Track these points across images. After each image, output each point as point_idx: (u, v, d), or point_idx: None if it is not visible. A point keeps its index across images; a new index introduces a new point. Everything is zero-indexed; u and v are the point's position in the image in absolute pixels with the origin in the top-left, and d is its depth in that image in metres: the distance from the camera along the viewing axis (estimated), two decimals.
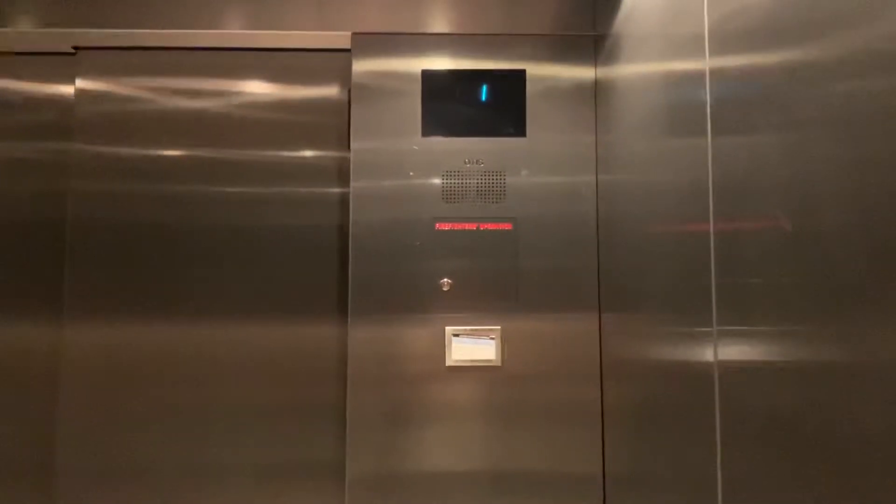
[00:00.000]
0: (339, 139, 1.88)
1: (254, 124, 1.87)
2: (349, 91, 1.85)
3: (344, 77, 1.88)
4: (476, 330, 1.76)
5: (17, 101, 1.89)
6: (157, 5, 1.79)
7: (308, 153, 1.89)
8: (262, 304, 1.83)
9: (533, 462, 1.74)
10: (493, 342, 1.75)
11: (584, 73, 1.82)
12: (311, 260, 1.85)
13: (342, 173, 1.87)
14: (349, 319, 1.75)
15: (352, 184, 1.78)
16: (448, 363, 1.74)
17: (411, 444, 1.73)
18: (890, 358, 0.63)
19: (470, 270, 1.78)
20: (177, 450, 1.79)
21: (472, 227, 1.79)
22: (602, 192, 1.76)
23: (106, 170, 1.83)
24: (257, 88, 1.89)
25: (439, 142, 1.80)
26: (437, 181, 1.79)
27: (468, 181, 1.80)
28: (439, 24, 1.82)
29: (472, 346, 1.75)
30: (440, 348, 1.75)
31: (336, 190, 1.87)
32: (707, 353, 1.04)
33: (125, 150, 1.84)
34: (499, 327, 1.76)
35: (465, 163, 1.80)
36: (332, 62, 1.89)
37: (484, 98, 1.83)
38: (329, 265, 1.85)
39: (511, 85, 1.82)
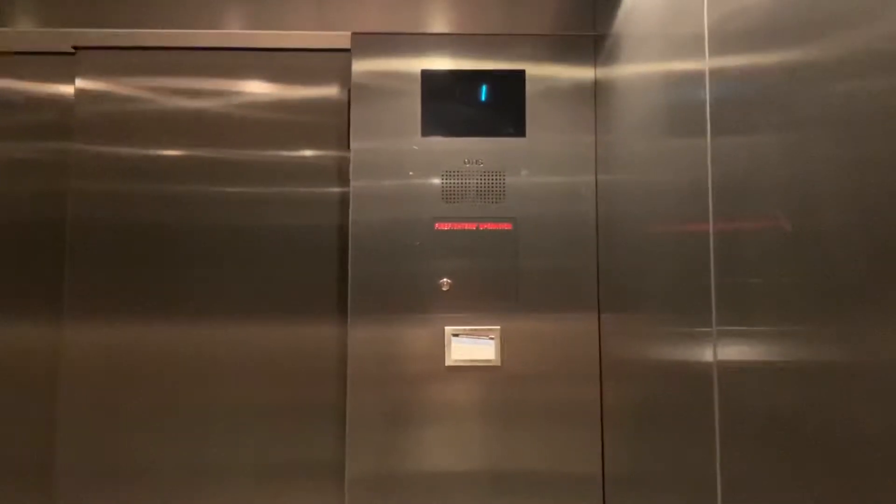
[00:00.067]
0: (339, 139, 1.88)
1: (254, 124, 1.87)
2: (349, 91, 1.85)
3: (344, 77, 1.88)
4: (476, 330, 1.76)
5: (17, 101, 1.89)
6: (157, 5, 1.79)
7: (308, 153, 1.89)
8: (262, 304, 1.83)
9: (532, 462, 1.74)
10: (492, 342, 1.75)
11: (583, 73, 1.82)
12: (311, 260, 1.85)
13: (342, 173, 1.87)
14: (349, 319, 1.75)
15: (352, 184, 1.78)
16: (448, 363, 1.74)
17: (411, 443, 1.73)
18: (890, 358, 0.63)
19: (469, 270, 1.78)
20: (177, 450, 1.79)
21: (472, 227, 1.79)
22: (602, 192, 1.76)
23: (106, 170, 1.83)
24: (257, 88, 1.89)
25: (439, 142, 1.80)
26: (436, 181, 1.79)
27: (468, 181, 1.80)
28: (439, 24, 1.82)
29: (472, 346, 1.75)
30: (440, 348, 1.75)
31: (336, 190, 1.87)
32: (706, 354, 1.04)
33: (125, 150, 1.84)
34: (498, 327, 1.76)
35: (465, 163, 1.80)
36: (332, 62, 1.88)
37: (483, 98, 1.83)
38: (329, 265, 1.85)
39: (511, 85, 1.82)
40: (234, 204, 1.85)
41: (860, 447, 0.67)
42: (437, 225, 1.78)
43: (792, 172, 0.80)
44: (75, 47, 1.85)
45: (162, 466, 1.78)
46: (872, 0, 0.66)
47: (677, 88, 1.19)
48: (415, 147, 1.80)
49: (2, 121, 1.88)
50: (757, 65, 0.90)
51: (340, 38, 1.82)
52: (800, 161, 0.79)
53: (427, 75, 1.81)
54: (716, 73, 1.02)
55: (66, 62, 1.86)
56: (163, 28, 1.79)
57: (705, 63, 1.05)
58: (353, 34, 1.81)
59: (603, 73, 1.75)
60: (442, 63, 1.82)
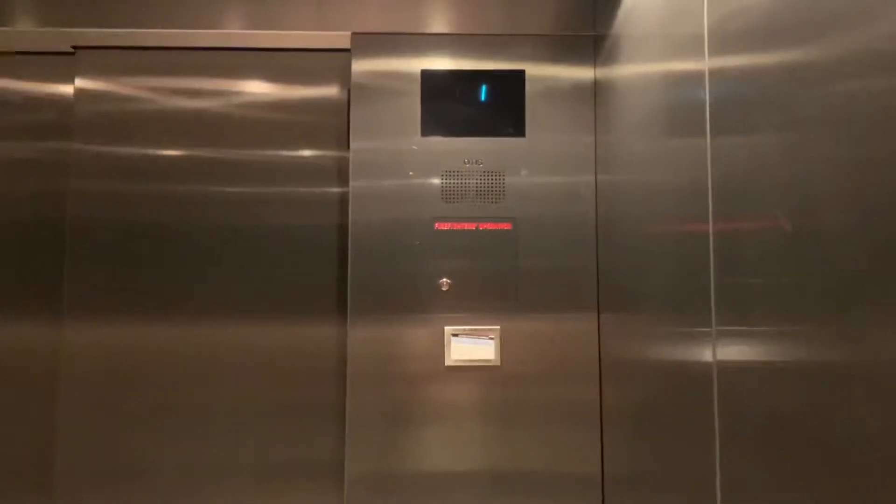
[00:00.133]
0: (339, 139, 1.88)
1: (253, 124, 1.87)
2: (349, 91, 1.85)
3: (343, 77, 1.88)
4: (475, 330, 1.76)
5: (16, 101, 1.89)
6: (156, 5, 1.79)
7: (308, 153, 1.89)
8: (262, 304, 1.83)
9: (532, 462, 1.74)
10: (492, 342, 1.75)
11: (583, 73, 1.82)
12: (310, 260, 1.85)
13: (342, 173, 1.87)
14: (349, 319, 1.75)
15: (351, 183, 1.78)
16: (447, 363, 1.74)
17: (410, 443, 1.73)
18: (890, 358, 0.63)
19: (469, 270, 1.78)
20: (177, 450, 1.79)
21: (472, 226, 1.79)
22: (601, 192, 1.76)
23: (105, 170, 1.82)
24: (257, 88, 1.89)
25: (439, 142, 1.80)
26: (436, 181, 1.79)
27: (467, 181, 1.80)
28: (439, 24, 1.82)
29: (472, 346, 1.75)
30: (439, 348, 1.75)
31: (335, 190, 1.87)
32: (706, 354, 1.04)
33: (125, 150, 1.83)
34: (498, 327, 1.76)
35: (465, 163, 1.80)
36: (332, 62, 1.88)
37: (483, 98, 1.83)
38: (329, 265, 1.85)
39: (510, 85, 1.82)
40: (234, 204, 1.85)
41: (860, 447, 0.67)
42: (436, 225, 1.78)
43: (792, 172, 0.80)
44: (75, 47, 1.85)
45: (162, 466, 1.78)
46: (872, 0, 0.66)
47: (677, 88, 1.19)
48: (414, 147, 1.80)
49: (1, 121, 1.88)
50: (757, 65, 0.90)
51: (340, 38, 1.82)
52: (800, 161, 0.79)
53: (427, 75, 1.81)
54: (715, 73, 1.02)
55: (65, 62, 1.86)
56: (163, 28, 1.79)
57: (705, 63, 1.05)
58: (353, 34, 1.81)
59: (603, 73, 1.75)
60: (442, 63, 1.82)
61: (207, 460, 1.79)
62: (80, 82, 1.85)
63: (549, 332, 1.76)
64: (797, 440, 0.78)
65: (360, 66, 1.81)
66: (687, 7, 1.13)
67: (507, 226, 1.78)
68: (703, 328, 1.05)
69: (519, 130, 1.81)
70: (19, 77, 1.90)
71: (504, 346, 1.75)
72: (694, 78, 1.10)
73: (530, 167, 1.80)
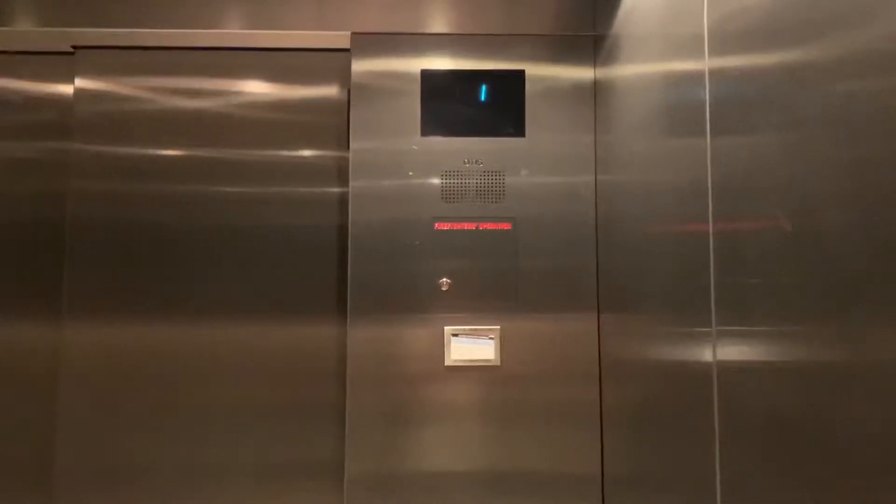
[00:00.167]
0: (339, 139, 1.88)
1: (253, 124, 1.87)
2: (348, 91, 1.85)
3: (343, 77, 1.88)
4: (475, 330, 1.76)
5: (16, 101, 1.89)
6: (156, 5, 1.79)
7: (307, 153, 1.89)
8: (262, 304, 1.83)
9: (532, 462, 1.74)
10: (492, 342, 1.75)
11: (583, 73, 1.82)
12: (310, 260, 1.85)
13: (341, 173, 1.87)
14: (348, 319, 1.75)
15: (351, 183, 1.78)
16: (447, 363, 1.74)
17: (410, 443, 1.73)
18: (890, 358, 0.63)
19: (469, 270, 1.78)
20: (177, 450, 1.79)
21: (472, 226, 1.79)
22: (601, 192, 1.76)
23: (105, 169, 1.82)
24: (257, 88, 1.89)
25: (438, 142, 1.80)
26: (436, 181, 1.79)
27: (467, 181, 1.80)
28: (439, 24, 1.82)
29: (472, 346, 1.75)
30: (439, 348, 1.75)
31: (335, 190, 1.87)
32: (706, 354, 1.04)
33: (124, 150, 1.83)
34: (498, 327, 1.76)
35: (465, 163, 1.80)
36: (332, 62, 1.88)
37: (483, 98, 1.83)
38: (328, 265, 1.85)
39: (510, 85, 1.82)
40: (234, 204, 1.85)
41: (860, 447, 0.67)
42: (436, 225, 1.78)
43: (792, 172, 0.80)
44: (74, 47, 1.85)
45: (162, 466, 1.78)
46: (872, 0, 0.66)
47: (677, 88, 1.19)
48: (414, 147, 1.80)
49: (1, 121, 1.88)
50: (757, 65, 0.90)
51: (340, 38, 1.82)
52: (800, 161, 0.79)
53: (427, 75, 1.81)
54: (715, 73, 1.02)
55: (65, 62, 1.86)
56: (162, 28, 1.79)
57: (705, 63, 1.05)
58: (353, 34, 1.81)
59: (602, 73, 1.75)
60: (442, 63, 1.82)
61: (207, 460, 1.79)
62: (79, 82, 1.85)
63: (549, 332, 1.76)
64: (797, 440, 0.78)
65: (359, 66, 1.81)
66: (687, 7, 1.13)
67: (506, 226, 1.78)
68: (703, 328, 1.05)
69: (519, 130, 1.81)
70: (19, 77, 1.89)
71: (504, 346, 1.75)
72: (694, 78, 1.10)
73: (530, 167, 1.80)
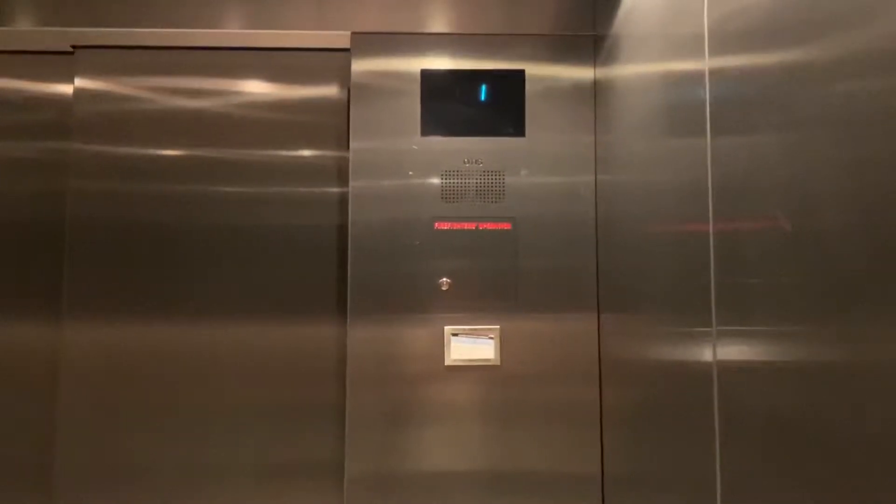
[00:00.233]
0: (339, 139, 1.88)
1: (253, 124, 1.87)
2: (348, 91, 1.85)
3: (343, 77, 1.87)
4: (475, 330, 1.76)
5: (16, 101, 1.89)
6: (156, 4, 1.79)
7: (307, 153, 1.89)
8: (262, 304, 1.83)
9: (532, 462, 1.74)
10: (492, 342, 1.75)
11: (583, 73, 1.82)
12: (310, 260, 1.85)
13: (341, 173, 1.87)
14: (348, 319, 1.75)
15: (351, 183, 1.78)
16: (447, 363, 1.74)
17: (410, 443, 1.73)
18: (890, 358, 0.63)
19: (469, 270, 1.78)
20: (177, 450, 1.79)
21: (472, 226, 1.79)
22: (601, 192, 1.76)
23: (105, 169, 1.82)
24: (257, 88, 1.89)
25: (438, 141, 1.80)
26: (436, 181, 1.79)
27: (467, 181, 1.80)
28: (439, 23, 1.82)
29: (471, 346, 1.75)
30: (439, 348, 1.75)
31: (335, 190, 1.87)
32: (706, 353, 1.04)
33: (124, 150, 1.83)
34: (498, 327, 1.76)
35: (465, 162, 1.80)
36: (332, 62, 1.88)
37: (483, 98, 1.83)
38: (328, 265, 1.85)
39: (510, 85, 1.82)
40: (234, 204, 1.85)
41: (860, 447, 0.67)
42: (436, 225, 1.78)
43: (792, 172, 0.80)
44: (74, 46, 1.85)
45: (162, 466, 1.78)
46: (872, 0, 0.66)
47: (677, 88, 1.19)
48: (414, 147, 1.80)
49: (1, 120, 1.88)
50: (757, 65, 0.90)
51: (340, 38, 1.82)
52: (800, 161, 0.79)
53: (426, 75, 1.81)
54: (715, 73, 1.02)
55: (65, 61, 1.86)
56: (162, 27, 1.79)
57: (705, 63, 1.05)
58: (353, 34, 1.81)
59: (602, 73, 1.75)
60: (441, 63, 1.82)
61: (207, 460, 1.79)
62: (79, 82, 1.85)
63: (549, 331, 1.76)
64: (797, 440, 0.78)
65: (359, 65, 1.81)
66: (687, 7, 1.13)
67: (506, 226, 1.78)
68: (703, 328, 1.05)
69: (519, 130, 1.81)
70: (19, 77, 1.89)
71: (504, 346, 1.75)
72: (694, 78, 1.10)
73: (530, 167, 1.80)
